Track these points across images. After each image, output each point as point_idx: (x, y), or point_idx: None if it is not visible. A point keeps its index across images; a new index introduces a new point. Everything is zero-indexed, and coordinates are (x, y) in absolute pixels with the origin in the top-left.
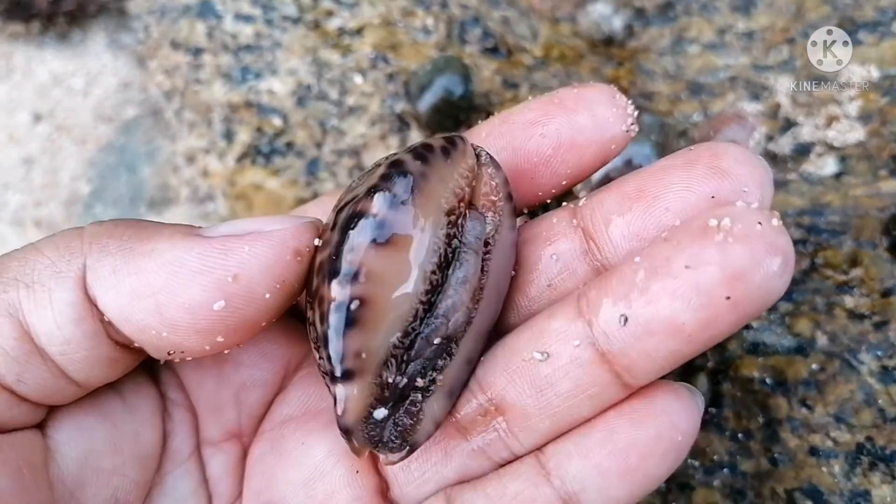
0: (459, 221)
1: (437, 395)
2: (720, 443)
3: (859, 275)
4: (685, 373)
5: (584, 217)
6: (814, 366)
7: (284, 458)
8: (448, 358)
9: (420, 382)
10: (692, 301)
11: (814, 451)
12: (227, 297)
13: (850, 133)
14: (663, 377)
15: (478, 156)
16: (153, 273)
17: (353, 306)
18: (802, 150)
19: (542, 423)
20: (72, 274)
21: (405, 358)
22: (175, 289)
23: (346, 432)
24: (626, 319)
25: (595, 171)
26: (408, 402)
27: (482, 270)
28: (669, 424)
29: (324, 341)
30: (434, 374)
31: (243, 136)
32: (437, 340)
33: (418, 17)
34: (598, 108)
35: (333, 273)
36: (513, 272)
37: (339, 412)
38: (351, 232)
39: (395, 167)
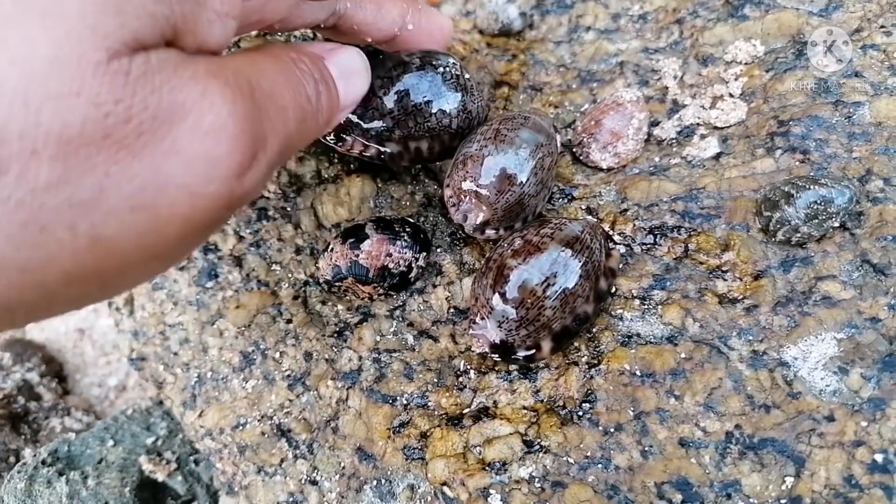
0: None
1: None
2: (592, 438)
3: (731, 258)
4: (563, 366)
5: None
6: (682, 354)
7: None
8: None
9: None
10: None
11: (683, 442)
12: None
13: (734, 112)
14: None
15: None
16: None
17: None
18: (687, 133)
19: None
20: None
21: None
22: None
23: None
24: None
25: None
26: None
27: None
28: None
29: None
30: None
31: None
32: None
33: None
34: None
35: None
36: None
37: None
38: None
39: None
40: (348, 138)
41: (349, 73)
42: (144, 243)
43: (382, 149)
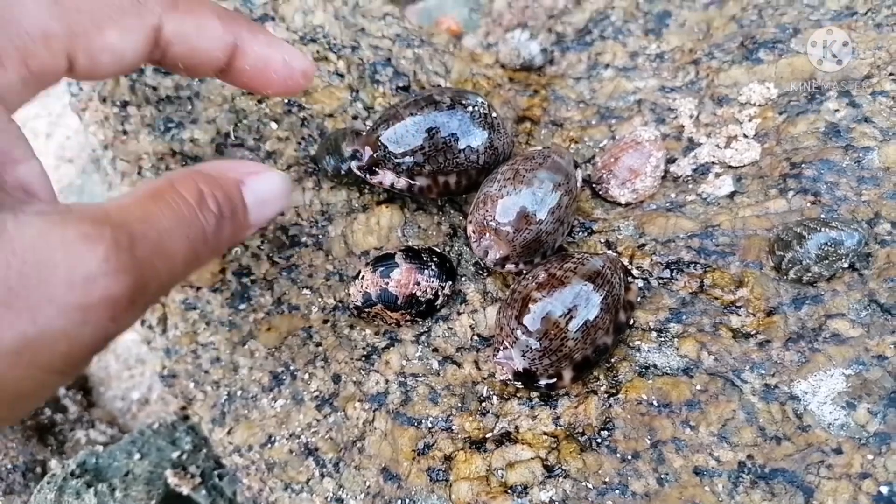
0: None
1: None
2: (610, 464)
3: (745, 295)
4: (583, 395)
5: None
6: (697, 386)
7: None
8: None
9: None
10: None
11: (697, 471)
12: None
13: (747, 152)
14: None
15: None
16: None
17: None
18: (702, 171)
19: None
20: None
21: None
22: None
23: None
24: None
25: None
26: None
27: None
28: None
29: None
30: None
31: None
32: None
33: (331, 61)
34: None
35: None
36: None
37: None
38: None
39: None
40: (380, 172)
41: (266, 200)
42: (27, 378)
43: (413, 182)
